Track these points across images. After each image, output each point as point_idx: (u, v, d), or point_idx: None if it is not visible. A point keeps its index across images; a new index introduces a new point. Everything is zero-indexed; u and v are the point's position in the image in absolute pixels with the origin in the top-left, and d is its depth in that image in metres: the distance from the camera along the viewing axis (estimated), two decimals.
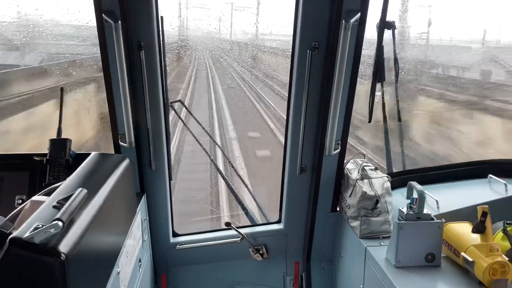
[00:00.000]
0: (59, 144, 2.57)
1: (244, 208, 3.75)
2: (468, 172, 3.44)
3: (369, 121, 3.14)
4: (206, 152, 3.81)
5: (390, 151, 3.41)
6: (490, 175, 3.26)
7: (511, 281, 2.30)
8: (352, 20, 2.60)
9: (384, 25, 2.96)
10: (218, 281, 3.56)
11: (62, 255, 1.49)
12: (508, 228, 2.51)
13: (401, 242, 2.49)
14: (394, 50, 3.13)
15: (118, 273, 2.22)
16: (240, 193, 3.97)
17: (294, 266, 3.50)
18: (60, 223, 1.52)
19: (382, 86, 3.15)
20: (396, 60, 3.18)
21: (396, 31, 3.02)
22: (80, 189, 1.80)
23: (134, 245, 2.69)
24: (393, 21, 2.96)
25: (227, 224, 3.42)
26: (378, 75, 3.05)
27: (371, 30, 2.87)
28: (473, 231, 2.42)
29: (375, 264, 2.62)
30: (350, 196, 2.98)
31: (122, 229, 2.41)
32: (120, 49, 2.62)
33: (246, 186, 3.99)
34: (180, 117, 3.44)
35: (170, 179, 3.31)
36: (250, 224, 3.64)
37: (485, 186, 3.25)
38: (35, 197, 1.97)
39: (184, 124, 3.66)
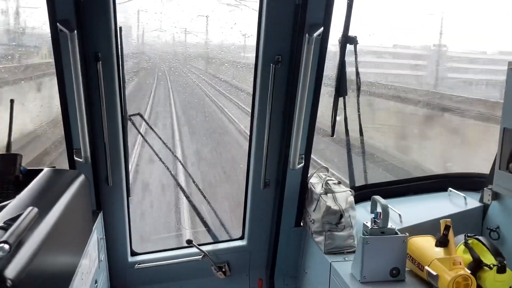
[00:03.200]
0: (8, 159, 2.41)
1: (206, 225, 3.65)
2: (428, 186, 3.49)
3: (332, 135, 3.13)
4: (167, 168, 3.71)
5: (353, 165, 3.41)
6: (450, 188, 3.32)
7: None
8: (315, 34, 2.60)
9: (346, 40, 2.97)
10: None
11: (9, 281, 1.37)
12: (469, 241, 2.54)
13: (366, 257, 2.47)
14: (356, 65, 3.16)
15: None
16: (202, 209, 3.87)
17: (257, 283, 3.43)
18: (7, 246, 1.40)
19: (344, 100, 3.16)
20: (357, 74, 3.21)
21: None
22: (30, 208, 1.68)
23: (90, 266, 2.55)
24: (355, 36, 2.98)
25: (189, 241, 3.31)
26: (340, 89, 3.06)
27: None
28: (437, 245, 2.43)
29: (340, 280, 2.58)
30: (314, 210, 2.95)
31: (76, 249, 2.27)
32: (76, 60, 2.51)
33: (208, 202, 3.90)
34: (139, 131, 3.33)
35: (128, 195, 3.19)
36: (212, 241, 3.55)
37: (445, 199, 3.30)
38: None
39: (143, 138, 3.55)
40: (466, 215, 3.03)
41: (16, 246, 1.49)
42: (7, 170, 2.37)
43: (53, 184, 2.28)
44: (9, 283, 1.36)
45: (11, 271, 1.41)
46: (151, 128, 3.66)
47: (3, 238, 1.42)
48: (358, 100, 3.34)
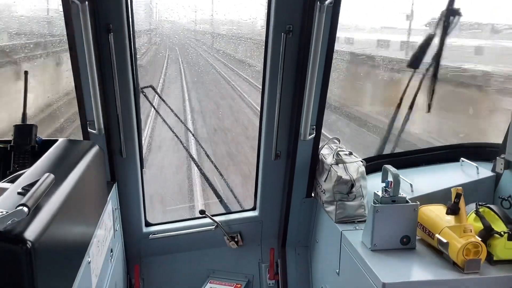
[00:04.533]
0: (24, 130, 2.45)
1: (218, 196, 3.70)
2: (441, 156, 3.47)
3: (428, 111, 3.10)
4: (179, 140, 3.74)
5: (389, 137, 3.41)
6: (462, 158, 3.30)
7: (484, 261, 2.34)
8: (327, 2, 2.56)
9: (449, 12, 2.88)
10: (192, 270, 3.51)
11: (28, 242, 1.41)
12: (481, 210, 2.55)
13: (376, 225, 2.49)
14: (443, 37, 3.01)
15: (89, 262, 2.14)
16: (214, 181, 3.92)
17: (269, 253, 3.48)
18: (26, 209, 1.44)
19: (413, 73, 3.10)
20: (441, 46, 3.08)
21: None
22: (46, 174, 1.72)
23: (105, 235, 2.61)
24: (459, 8, 2.88)
25: (202, 212, 3.37)
26: (414, 60, 2.99)
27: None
28: (447, 213, 2.44)
29: (351, 248, 2.62)
30: (325, 181, 2.96)
31: (92, 218, 2.33)
32: (88, 32, 2.52)
33: (221, 174, 3.94)
34: (151, 103, 3.36)
35: (142, 167, 3.23)
36: (224, 212, 3.60)
37: (458, 169, 3.28)
38: None
39: (156, 111, 3.58)
40: (478, 185, 3.02)
41: (34, 210, 1.53)
42: (23, 141, 2.42)
43: (68, 153, 2.32)
44: (28, 244, 1.41)
45: (30, 234, 1.45)
46: (162, 100, 3.68)
47: (22, 202, 1.47)
48: (435, 72, 3.22)
